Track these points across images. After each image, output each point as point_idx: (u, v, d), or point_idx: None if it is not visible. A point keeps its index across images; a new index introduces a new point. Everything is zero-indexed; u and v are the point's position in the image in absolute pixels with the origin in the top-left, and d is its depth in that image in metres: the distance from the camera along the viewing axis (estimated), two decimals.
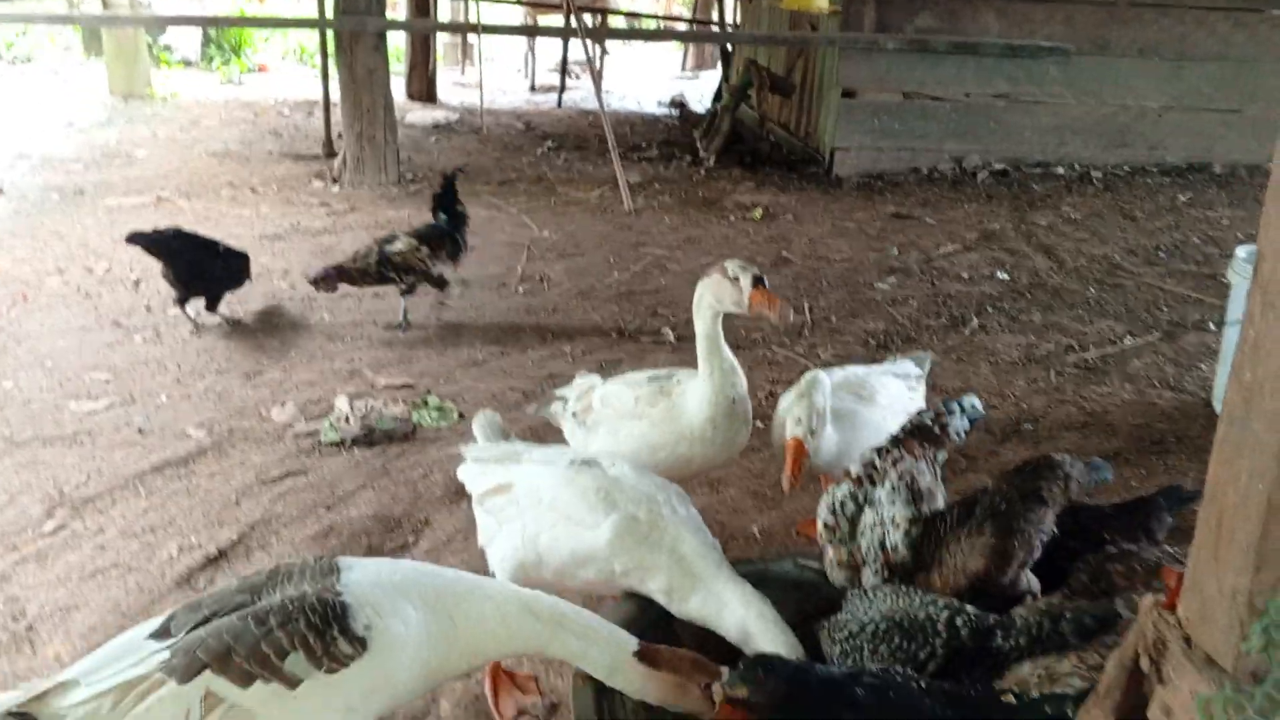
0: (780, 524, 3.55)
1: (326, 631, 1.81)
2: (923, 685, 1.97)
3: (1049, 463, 2.67)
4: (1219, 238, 7.22)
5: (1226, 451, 0.86)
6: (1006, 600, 2.42)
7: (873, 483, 2.48)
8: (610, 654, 2.02)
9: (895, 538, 2.41)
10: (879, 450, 2.56)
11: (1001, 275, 6.37)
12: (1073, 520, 2.68)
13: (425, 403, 4.36)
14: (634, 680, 2.02)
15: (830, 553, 2.50)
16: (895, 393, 3.24)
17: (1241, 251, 4.40)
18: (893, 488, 2.45)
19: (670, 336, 5.28)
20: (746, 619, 2.28)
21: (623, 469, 2.57)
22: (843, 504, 2.48)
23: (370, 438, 4.06)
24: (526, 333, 5.30)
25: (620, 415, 3.01)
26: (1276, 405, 0.83)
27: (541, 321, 5.48)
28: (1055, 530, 2.57)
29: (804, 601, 2.45)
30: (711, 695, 1.93)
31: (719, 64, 12.99)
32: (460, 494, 3.67)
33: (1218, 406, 4.44)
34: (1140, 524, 2.77)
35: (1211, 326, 5.46)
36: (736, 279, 2.76)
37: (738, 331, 5.30)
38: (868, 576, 2.48)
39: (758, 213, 7.72)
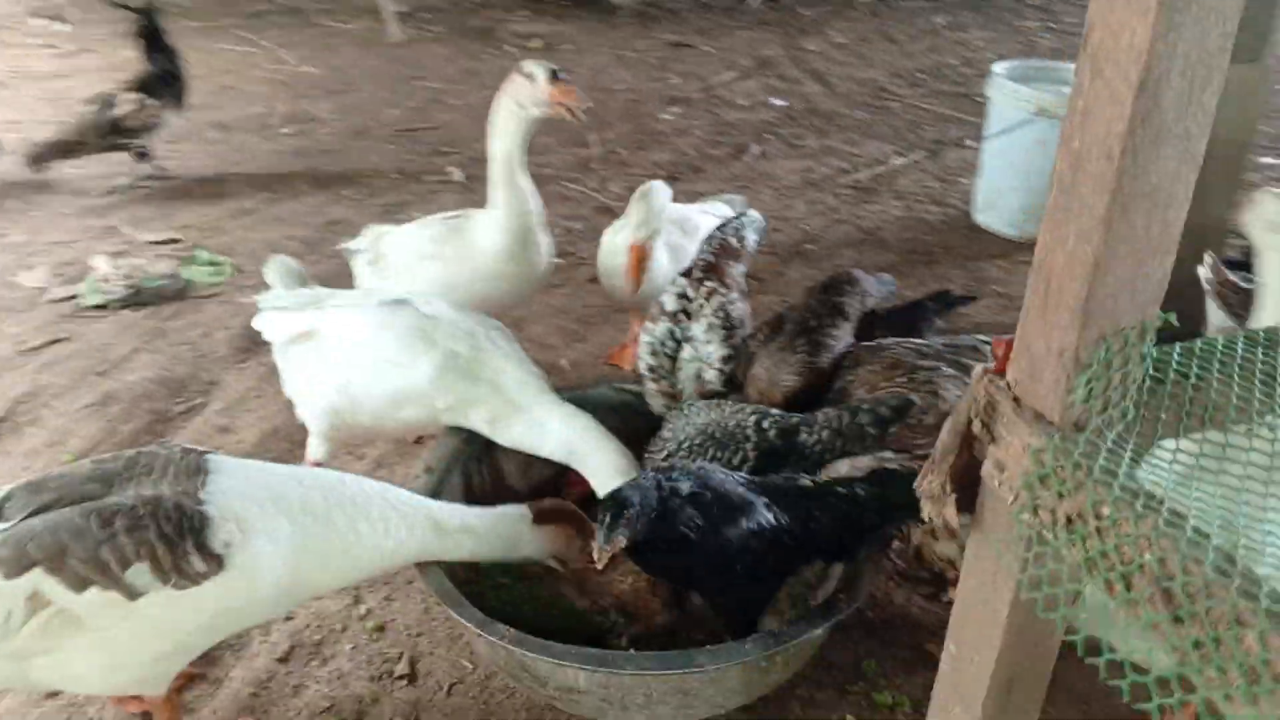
0: (588, 356, 3.57)
1: (179, 545, 1.63)
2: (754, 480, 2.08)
3: (848, 278, 2.80)
4: (974, 59, 7.61)
5: (1055, 217, 0.90)
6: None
7: (688, 316, 2.53)
8: (512, 528, 2.09)
9: (711, 375, 2.49)
10: (693, 278, 2.60)
11: (778, 102, 6.48)
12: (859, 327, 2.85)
13: (195, 258, 4.03)
14: (535, 543, 2.12)
15: (651, 386, 2.56)
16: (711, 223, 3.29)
17: (999, 68, 4.65)
18: (709, 325, 2.51)
19: (458, 175, 5.08)
20: (570, 437, 2.34)
21: (439, 306, 2.50)
22: (663, 343, 2.53)
23: (138, 298, 3.72)
24: (299, 178, 4.95)
25: (416, 257, 2.89)
26: (1101, 169, 0.87)
27: (314, 165, 5.13)
28: (852, 340, 2.73)
29: (623, 423, 2.50)
30: (590, 552, 1.90)
31: None
32: (247, 351, 3.47)
33: (978, 218, 4.78)
34: (909, 325, 2.97)
35: (969, 143, 5.80)
36: (532, 75, 2.67)
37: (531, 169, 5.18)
38: (685, 397, 2.56)
39: (536, 43, 7.45)
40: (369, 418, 2.42)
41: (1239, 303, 2.76)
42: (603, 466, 2.33)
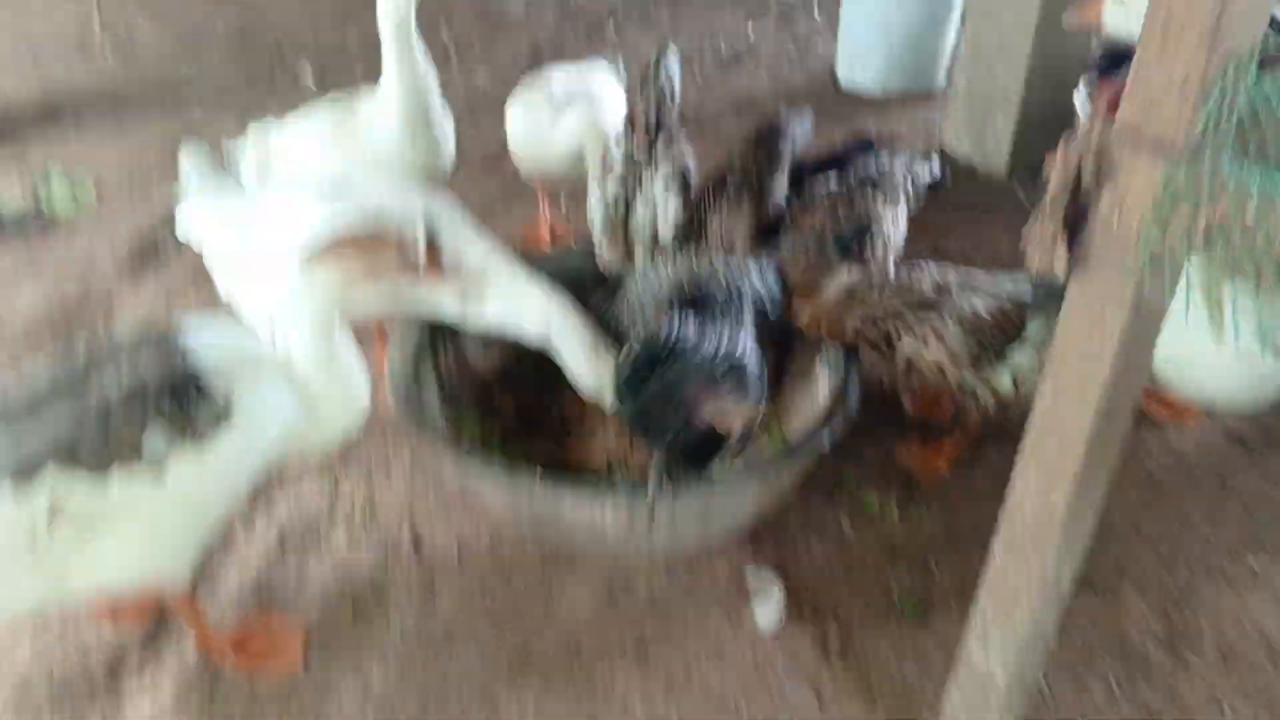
0: (504, 234, 3.52)
1: (185, 402, 1.57)
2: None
3: (776, 127, 2.85)
4: None
5: None
6: None
7: (640, 170, 2.52)
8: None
9: (665, 228, 2.50)
10: (640, 133, 2.59)
11: None
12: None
13: (49, 179, 3.69)
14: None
15: (605, 242, 2.55)
16: (611, 84, 3.25)
17: None
18: (666, 180, 2.51)
19: (309, 79, 4.81)
20: (550, 313, 2.20)
21: (379, 185, 2.37)
22: (615, 199, 2.52)
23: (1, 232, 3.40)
24: (134, 99, 4.55)
25: (308, 152, 2.71)
26: None
27: (150, 81, 4.73)
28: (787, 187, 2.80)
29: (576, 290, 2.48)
30: None
31: None
32: (140, 268, 3.25)
33: (842, 78, 4.90)
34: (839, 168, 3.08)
35: (815, 9, 5.90)
36: None
37: None
38: (639, 256, 2.57)
39: None
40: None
41: None
42: (580, 348, 2.21)
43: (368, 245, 1.67)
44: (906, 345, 2.19)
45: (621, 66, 3.52)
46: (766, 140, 2.82)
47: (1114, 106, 1.09)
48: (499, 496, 2.12)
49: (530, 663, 2.05)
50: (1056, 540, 1.40)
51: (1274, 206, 0.95)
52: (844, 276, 2.25)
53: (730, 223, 2.63)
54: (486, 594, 2.19)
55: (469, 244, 2.31)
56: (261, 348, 1.74)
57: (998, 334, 2.19)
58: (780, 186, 2.75)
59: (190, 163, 2.52)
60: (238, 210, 2.31)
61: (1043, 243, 1.15)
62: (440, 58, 5.00)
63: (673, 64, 2.80)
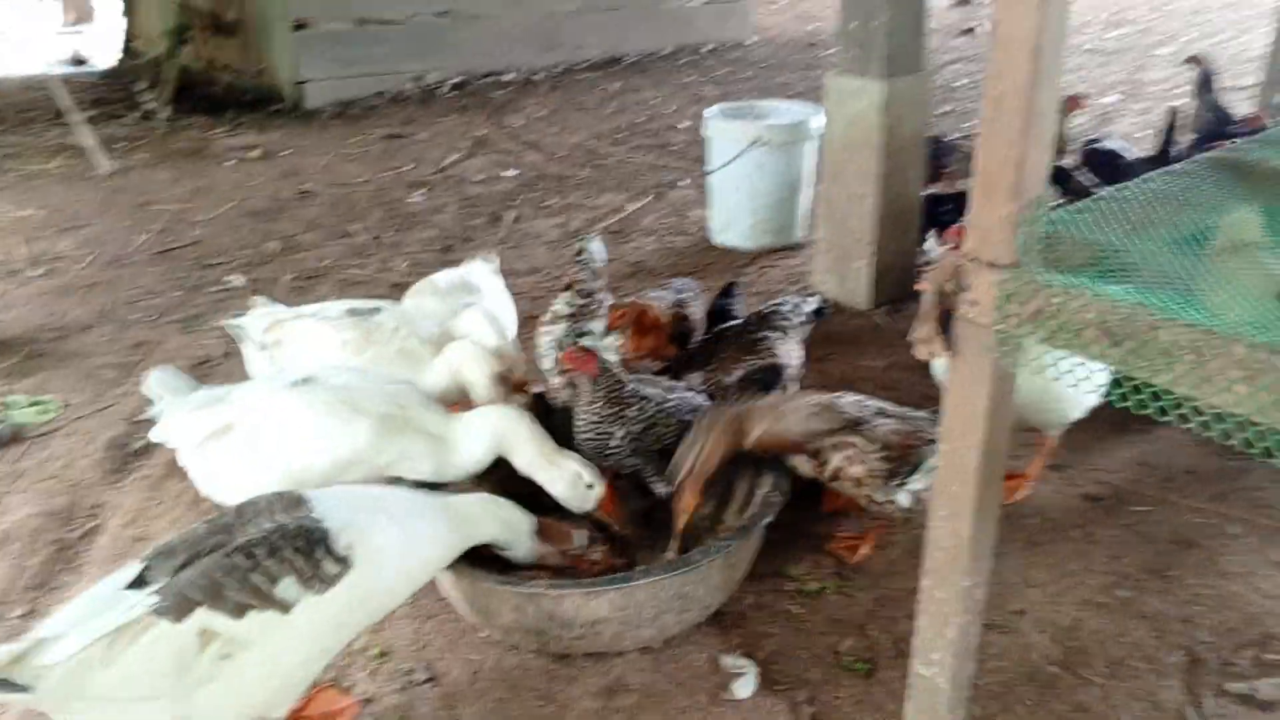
0: None
1: (313, 555, 1.92)
2: None
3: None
4: (658, 113, 8.64)
5: (988, 129, 1.53)
6: None
7: (585, 318, 3.08)
8: (521, 523, 2.47)
9: (613, 356, 3.01)
10: (579, 291, 3.15)
11: (509, 173, 7.07)
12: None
13: (11, 403, 3.92)
14: (528, 546, 2.52)
15: (557, 379, 3.04)
16: (492, 282, 3.75)
17: (710, 112, 5.52)
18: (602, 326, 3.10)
19: (239, 281, 5.19)
20: (496, 427, 2.70)
21: (347, 377, 2.75)
22: (561, 342, 3.03)
23: None
24: (75, 317, 4.84)
25: (322, 357, 3.06)
26: (1016, 103, 1.50)
27: (86, 298, 5.04)
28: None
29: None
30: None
31: (124, 12, 11.85)
32: (118, 471, 3.51)
33: (716, 239, 5.57)
34: (725, 314, 3.71)
35: (682, 183, 6.66)
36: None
37: (311, 262, 5.40)
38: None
39: (256, 153, 7.55)
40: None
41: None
42: (526, 441, 2.67)
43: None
44: (835, 459, 2.68)
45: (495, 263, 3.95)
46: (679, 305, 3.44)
47: (957, 245, 1.63)
48: (501, 610, 2.48)
49: None
50: (966, 561, 1.87)
51: (1070, 298, 1.49)
52: (803, 404, 2.74)
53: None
54: (504, 714, 2.49)
55: (435, 419, 2.75)
56: (371, 506, 2.09)
57: (906, 456, 2.69)
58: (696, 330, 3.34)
59: (157, 384, 2.78)
60: (220, 417, 2.63)
61: (926, 339, 1.67)
62: (357, 254, 5.52)
63: (596, 246, 3.39)
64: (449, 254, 5.59)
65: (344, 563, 1.96)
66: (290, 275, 5.28)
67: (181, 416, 2.68)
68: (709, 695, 2.52)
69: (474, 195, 6.59)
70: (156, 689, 1.84)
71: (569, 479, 2.67)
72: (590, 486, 2.67)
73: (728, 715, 2.47)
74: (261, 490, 2.57)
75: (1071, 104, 4.75)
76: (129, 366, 4.28)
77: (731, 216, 5.50)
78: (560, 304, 3.28)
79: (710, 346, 3.34)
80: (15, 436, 3.72)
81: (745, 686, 2.52)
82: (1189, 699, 2.45)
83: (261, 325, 3.17)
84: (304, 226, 6.04)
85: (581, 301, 3.25)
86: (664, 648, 2.63)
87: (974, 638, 2.02)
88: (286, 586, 1.89)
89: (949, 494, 1.84)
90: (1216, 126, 4.87)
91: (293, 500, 2.06)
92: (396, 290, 4.97)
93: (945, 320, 1.67)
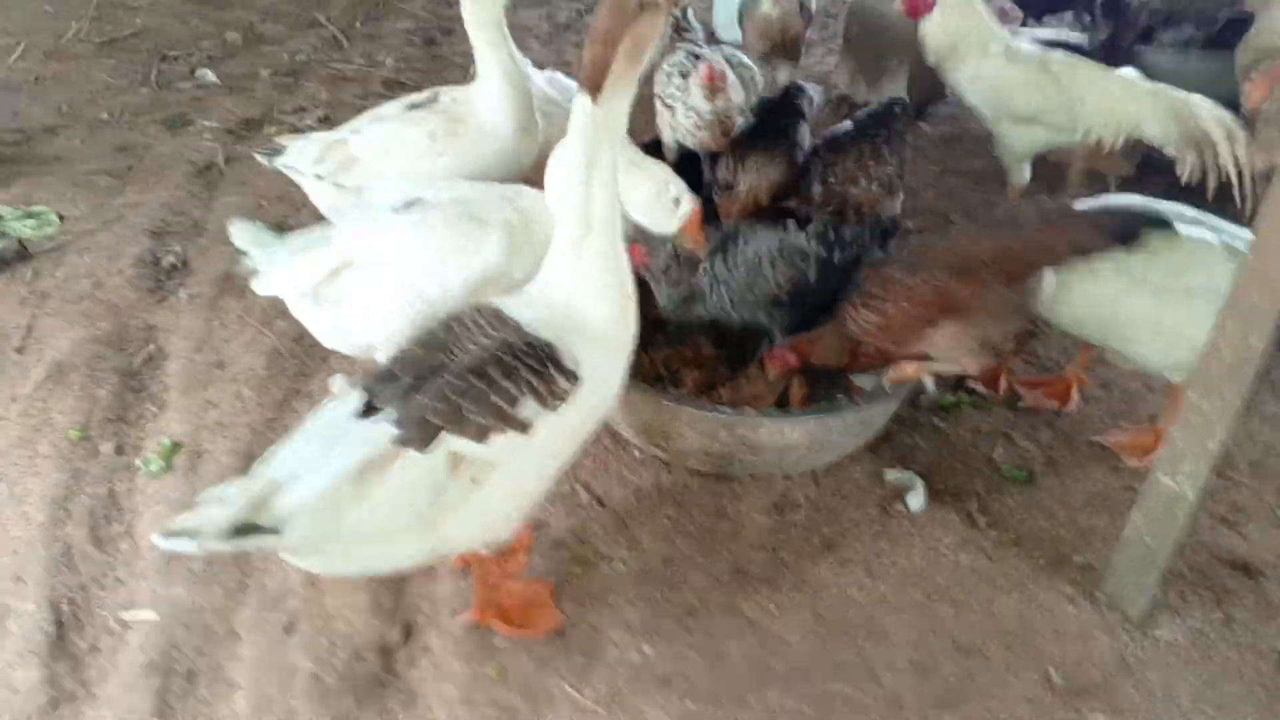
0: None
1: (546, 373, 1.76)
2: None
3: (796, 88, 3.21)
4: None
5: None
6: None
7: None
8: None
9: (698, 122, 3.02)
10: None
11: None
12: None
13: (1, 214, 3.43)
14: None
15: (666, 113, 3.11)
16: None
17: None
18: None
19: (211, 77, 4.62)
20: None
21: (453, 189, 2.45)
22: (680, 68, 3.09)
23: None
24: (34, 117, 4.21)
25: (411, 156, 2.72)
26: None
27: (39, 99, 4.38)
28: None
29: None
30: None
31: None
32: (157, 290, 3.19)
33: None
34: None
35: None
36: None
37: (283, 56, 4.86)
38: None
39: None
40: None
41: None
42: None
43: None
44: None
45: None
46: (791, 98, 3.16)
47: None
48: (683, 432, 2.38)
49: (747, 572, 2.31)
50: (1250, 377, 1.82)
51: None
52: None
53: (764, 168, 2.94)
54: (678, 528, 2.41)
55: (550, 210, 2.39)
56: (579, 317, 1.86)
57: None
58: (805, 138, 3.08)
59: (247, 237, 2.39)
60: (332, 258, 2.32)
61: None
62: (332, 46, 4.98)
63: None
64: (433, 47, 5.11)
65: (573, 378, 1.80)
66: (268, 71, 4.72)
67: (285, 264, 2.35)
68: (879, 508, 2.50)
69: None
70: (409, 522, 1.71)
71: (657, 184, 2.37)
72: (677, 201, 2.39)
73: (905, 527, 2.45)
74: (392, 330, 2.33)
75: None
76: (121, 173, 3.79)
77: None
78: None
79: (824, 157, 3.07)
80: (21, 253, 3.26)
81: (916, 499, 2.50)
82: None
83: (311, 154, 2.77)
84: (261, 15, 5.38)
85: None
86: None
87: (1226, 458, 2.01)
88: (525, 406, 1.74)
89: (1246, 305, 1.77)
90: None
91: (493, 313, 1.85)
92: (390, 88, 4.54)
93: None
